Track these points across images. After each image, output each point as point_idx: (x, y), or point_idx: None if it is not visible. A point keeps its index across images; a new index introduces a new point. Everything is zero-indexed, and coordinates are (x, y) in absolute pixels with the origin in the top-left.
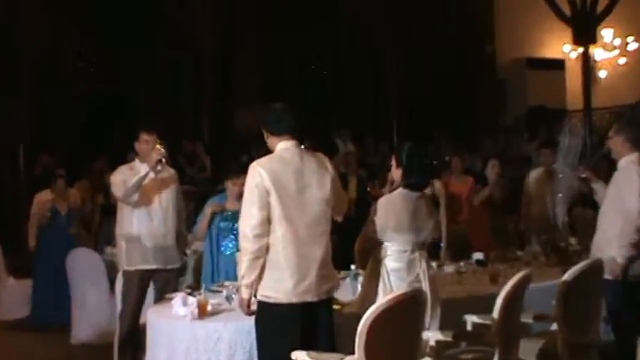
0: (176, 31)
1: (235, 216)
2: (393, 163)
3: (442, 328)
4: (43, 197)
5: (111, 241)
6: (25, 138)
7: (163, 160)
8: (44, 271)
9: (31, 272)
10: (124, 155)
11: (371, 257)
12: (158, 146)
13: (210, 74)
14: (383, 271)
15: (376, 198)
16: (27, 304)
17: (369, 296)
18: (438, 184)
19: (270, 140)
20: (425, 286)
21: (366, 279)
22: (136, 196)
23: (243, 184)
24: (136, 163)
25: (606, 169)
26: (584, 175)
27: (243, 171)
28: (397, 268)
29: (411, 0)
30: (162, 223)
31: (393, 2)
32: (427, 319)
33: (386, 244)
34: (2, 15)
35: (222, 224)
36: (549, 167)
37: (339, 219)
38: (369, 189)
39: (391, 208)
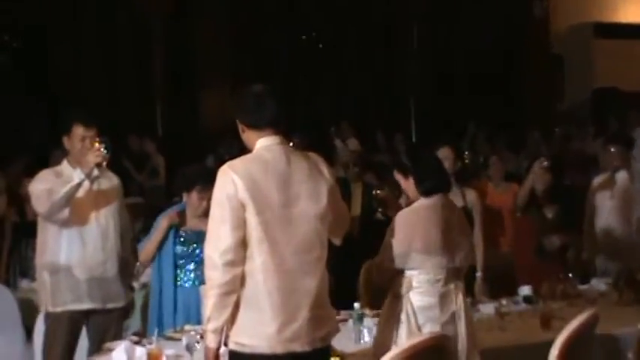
0: (122, 10)
1: (198, 237)
2: (399, 177)
3: None
4: None
5: (28, 272)
6: None
7: (104, 163)
8: None
9: None
10: (47, 156)
11: (389, 292)
12: (97, 145)
13: (163, 47)
14: (407, 310)
15: (384, 205)
16: None
17: (387, 345)
18: (471, 195)
19: (247, 135)
20: (462, 329)
21: (383, 321)
22: (66, 212)
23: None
24: (65, 166)
25: None
26: None
27: (212, 178)
28: (427, 304)
29: None
30: (100, 249)
31: None
32: None
33: (409, 273)
34: None
35: (178, 248)
36: (619, 171)
37: (338, 242)
38: (374, 192)
39: (415, 224)
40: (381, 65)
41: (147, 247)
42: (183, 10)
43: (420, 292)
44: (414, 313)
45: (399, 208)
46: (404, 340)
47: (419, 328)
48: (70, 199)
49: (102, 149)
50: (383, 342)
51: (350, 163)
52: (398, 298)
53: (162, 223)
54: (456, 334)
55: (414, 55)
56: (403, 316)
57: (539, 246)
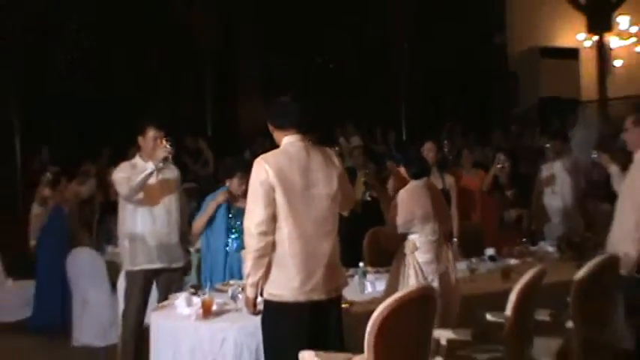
0: (173, 25)
1: (239, 212)
2: (393, 166)
3: (453, 325)
4: (45, 194)
5: (112, 240)
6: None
7: (170, 157)
8: (44, 271)
9: (30, 272)
10: (124, 153)
11: (397, 253)
12: (164, 143)
13: (211, 67)
14: (415, 266)
15: (371, 188)
16: (27, 306)
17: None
18: (449, 179)
19: (276, 134)
20: (453, 278)
21: (394, 275)
22: (140, 195)
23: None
24: (138, 160)
25: (623, 162)
26: (595, 155)
27: (249, 168)
28: (428, 260)
29: None
30: (165, 222)
31: None
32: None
33: (412, 237)
34: None
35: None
36: (556, 162)
37: (346, 213)
38: (364, 178)
39: (414, 199)
40: (378, 78)
41: (198, 223)
42: (226, 39)
43: (423, 251)
44: (420, 267)
45: (385, 191)
46: None
47: (425, 279)
48: (143, 185)
49: (168, 146)
50: (394, 291)
51: (355, 157)
52: (404, 257)
53: (211, 204)
54: (450, 282)
55: (405, 69)
56: (411, 271)
57: (501, 218)
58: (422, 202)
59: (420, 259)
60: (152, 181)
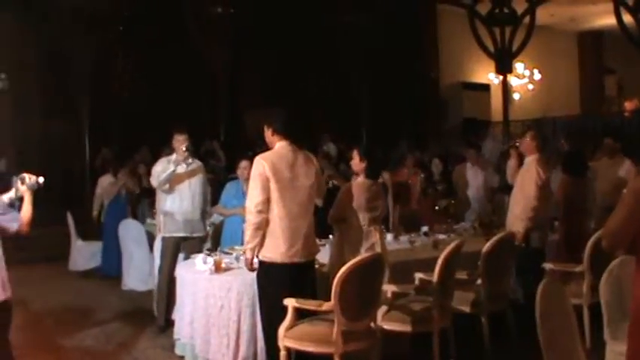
0: (197, 58)
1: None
2: (356, 156)
3: (396, 282)
4: (105, 181)
5: (151, 214)
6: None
7: (188, 158)
8: (109, 235)
9: (92, 235)
10: (160, 150)
11: (336, 230)
12: (183, 149)
13: (227, 89)
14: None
15: (334, 180)
16: (90, 260)
17: (335, 260)
18: (386, 176)
19: (272, 139)
20: (378, 250)
21: (334, 248)
22: (167, 186)
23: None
24: (173, 155)
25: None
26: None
27: (252, 162)
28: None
29: (377, 42)
30: (190, 203)
31: (367, 44)
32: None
33: (348, 219)
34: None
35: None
36: (473, 165)
37: (320, 202)
38: (328, 175)
39: (349, 195)
40: (346, 103)
41: (224, 211)
42: (235, 69)
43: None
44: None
45: (345, 180)
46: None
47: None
48: (167, 181)
49: (184, 149)
50: (336, 260)
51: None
52: (342, 233)
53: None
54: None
55: (367, 98)
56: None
57: (434, 205)
58: (357, 196)
59: (352, 237)
60: (181, 170)
